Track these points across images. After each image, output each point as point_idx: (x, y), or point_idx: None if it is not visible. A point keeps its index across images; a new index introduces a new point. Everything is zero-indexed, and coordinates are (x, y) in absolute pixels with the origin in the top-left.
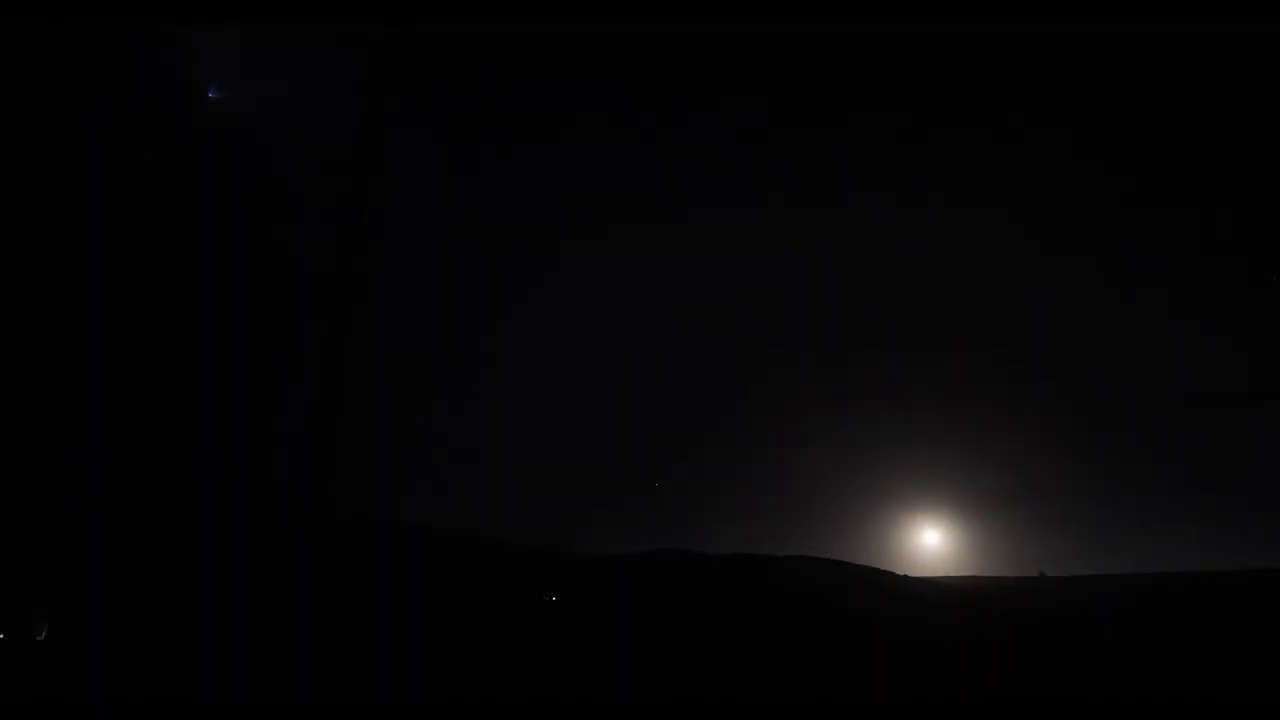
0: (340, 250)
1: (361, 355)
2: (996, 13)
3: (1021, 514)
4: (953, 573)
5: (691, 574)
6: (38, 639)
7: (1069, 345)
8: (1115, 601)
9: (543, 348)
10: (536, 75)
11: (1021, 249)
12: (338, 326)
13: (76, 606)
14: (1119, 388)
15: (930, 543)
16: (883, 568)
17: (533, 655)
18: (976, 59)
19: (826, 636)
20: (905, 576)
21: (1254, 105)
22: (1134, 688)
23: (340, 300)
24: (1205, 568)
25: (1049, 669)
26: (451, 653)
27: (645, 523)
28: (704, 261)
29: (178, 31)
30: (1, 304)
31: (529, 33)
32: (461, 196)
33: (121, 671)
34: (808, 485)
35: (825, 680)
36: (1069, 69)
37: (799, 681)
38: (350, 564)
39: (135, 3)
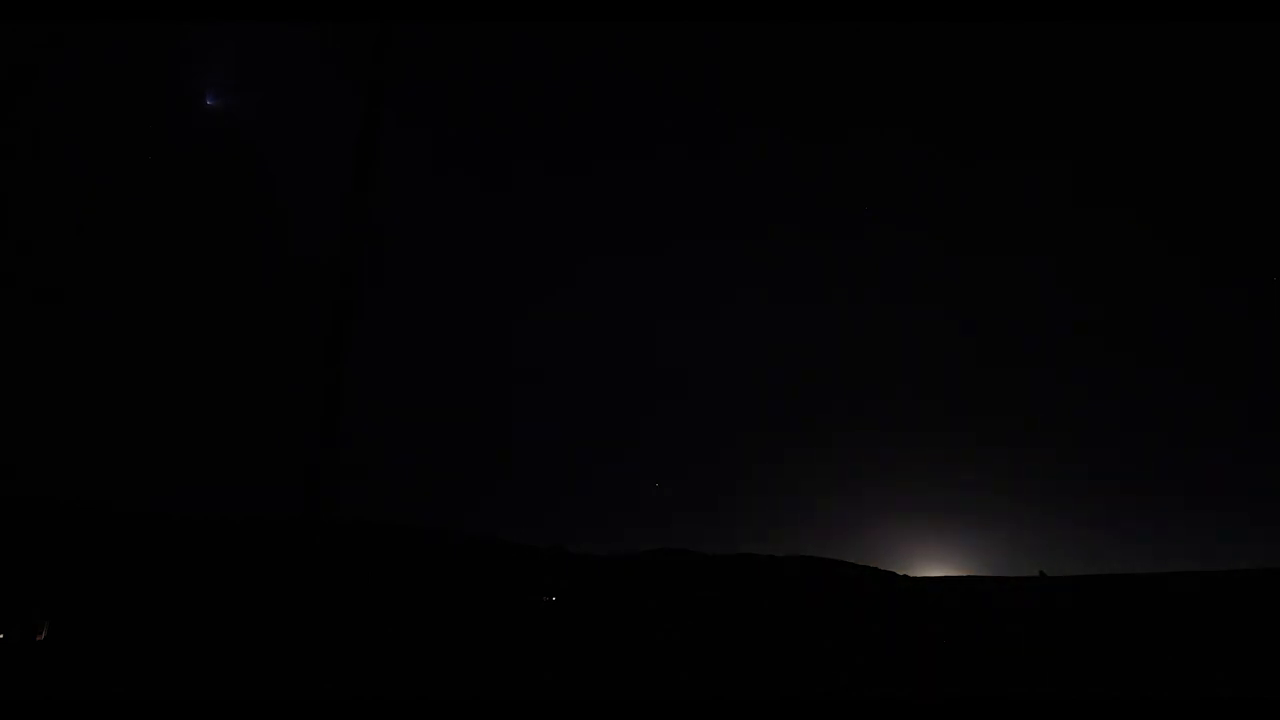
0: (341, 251)
1: (363, 356)
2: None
3: (1022, 514)
4: (953, 572)
5: (691, 574)
6: (38, 639)
7: (1069, 348)
8: (1115, 601)
9: (547, 351)
10: (559, 92)
11: (1022, 254)
12: (339, 326)
13: (77, 606)
14: (1119, 390)
15: (930, 542)
16: (882, 568)
17: (533, 655)
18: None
19: (826, 636)
20: (905, 576)
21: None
22: (1133, 688)
23: (341, 300)
24: (1204, 568)
25: (1049, 669)
26: (451, 652)
27: (645, 523)
28: (717, 279)
29: (175, 39)
30: (1, 305)
31: (551, 44)
32: (474, 200)
33: (122, 671)
34: (808, 485)
35: (825, 680)
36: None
37: (799, 681)
38: (350, 564)
39: (136, 3)
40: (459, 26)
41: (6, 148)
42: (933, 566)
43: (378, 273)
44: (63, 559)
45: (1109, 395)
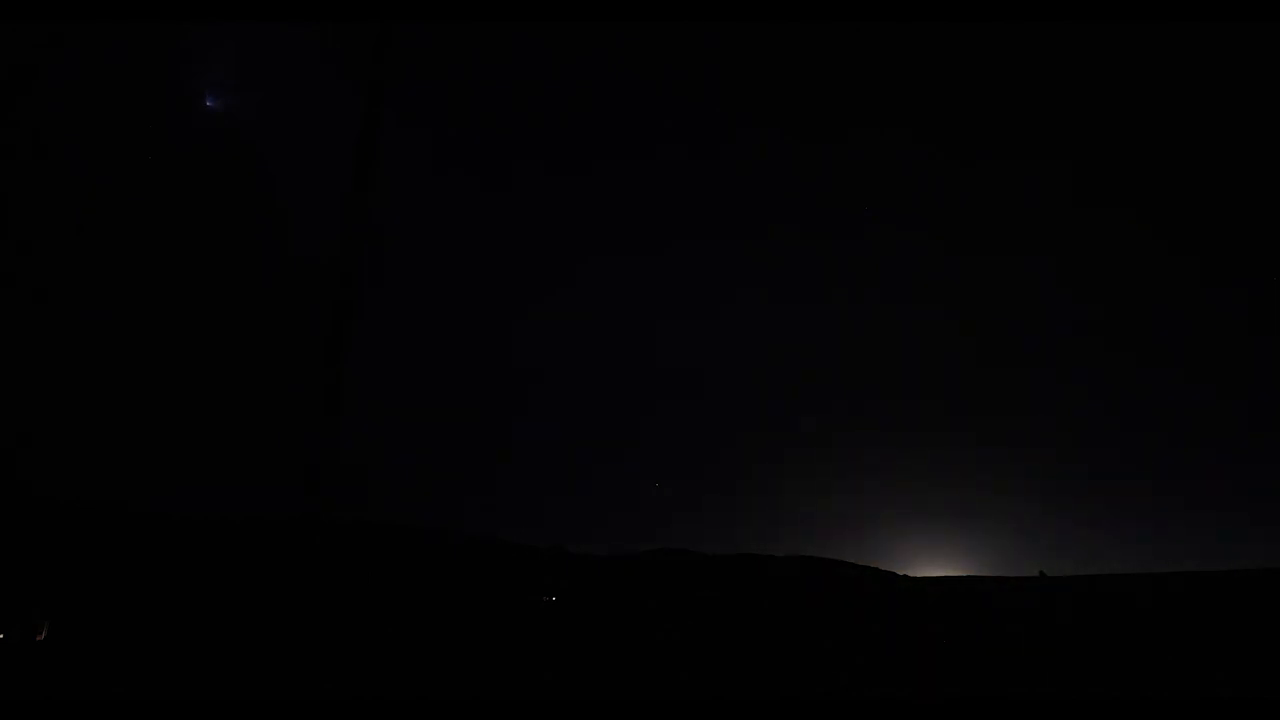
0: (341, 251)
1: (363, 356)
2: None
3: (1022, 514)
4: (953, 573)
5: (691, 574)
6: (38, 639)
7: (1069, 348)
8: (1115, 601)
9: (547, 351)
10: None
11: (1022, 254)
12: (339, 326)
13: (77, 606)
14: (1119, 390)
15: (930, 542)
16: (882, 568)
17: (533, 655)
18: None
19: (826, 636)
20: (905, 576)
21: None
22: (1133, 688)
23: (341, 300)
24: (1204, 568)
25: (1049, 669)
26: (452, 651)
27: (645, 523)
28: (716, 279)
29: (175, 39)
30: (2, 305)
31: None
32: (474, 200)
33: (122, 671)
34: (808, 485)
35: (825, 680)
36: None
37: (799, 681)
38: (350, 564)
39: (136, 3)
40: (459, 26)
41: (6, 148)
42: (933, 566)
43: (378, 273)
44: (63, 559)
45: (1109, 395)
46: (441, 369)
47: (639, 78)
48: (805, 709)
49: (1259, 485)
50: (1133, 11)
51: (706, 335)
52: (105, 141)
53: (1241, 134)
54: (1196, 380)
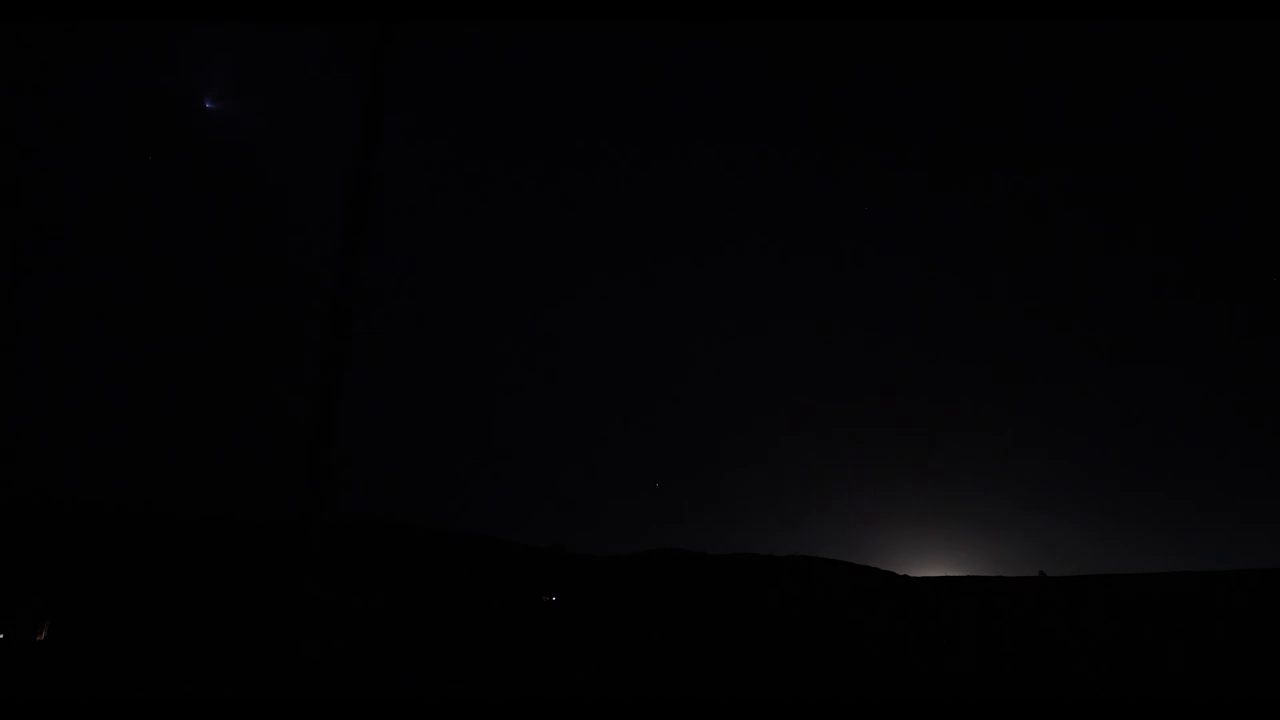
0: (341, 252)
1: (364, 356)
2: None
3: (1022, 515)
4: (953, 573)
5: (691, 574)
6: (38, 639)
7: (1070, 348)
8: (1116, 601)
9: (548, 352)
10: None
11: (1023, 255)
12: (339, 326)
13: (77, 606)
14: (1119, 390)
15: (930, 542)
16: (882, 568)
17: (533, 654)
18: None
19: (826, 636)
20: (905, 576)
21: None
22: (1133, 688)
23: (342, 299)
24: (1204, 568)
25: (1049, 669)
26: (452, 651)
27: (645, 523)
28: (718, 281)
29: (177, 42)
30: (3, 308)
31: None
32: (475, 203)
33: (122, 671)
34: (809, 485)
35: (825, 679)
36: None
37: (799, 681)
38: (350, 563)
39: (136, 3)
40: (459, 27)
41: (9, 148)
42: (933, 566)
43: (378, 274)
44: (63, 559)
45: (1109, 395)
46: (442, 369)
47: (637, 85)
48: (805, 709)
49: (1259, 485)
50: (1133, 12)
51: (707, 336)
52: (106, 142)
53: (1242, 135)
54: (1196, 380)
